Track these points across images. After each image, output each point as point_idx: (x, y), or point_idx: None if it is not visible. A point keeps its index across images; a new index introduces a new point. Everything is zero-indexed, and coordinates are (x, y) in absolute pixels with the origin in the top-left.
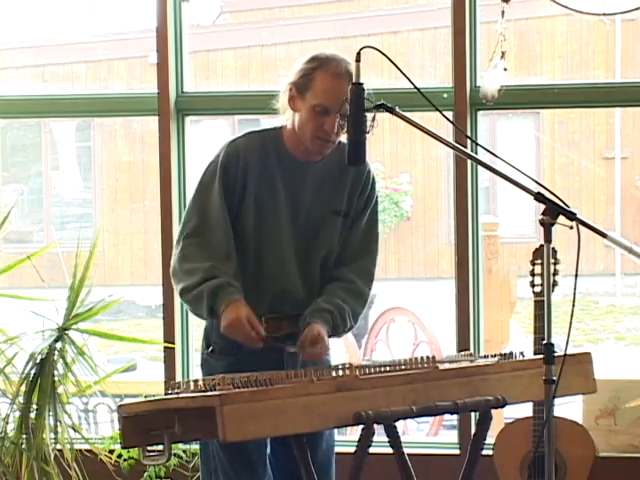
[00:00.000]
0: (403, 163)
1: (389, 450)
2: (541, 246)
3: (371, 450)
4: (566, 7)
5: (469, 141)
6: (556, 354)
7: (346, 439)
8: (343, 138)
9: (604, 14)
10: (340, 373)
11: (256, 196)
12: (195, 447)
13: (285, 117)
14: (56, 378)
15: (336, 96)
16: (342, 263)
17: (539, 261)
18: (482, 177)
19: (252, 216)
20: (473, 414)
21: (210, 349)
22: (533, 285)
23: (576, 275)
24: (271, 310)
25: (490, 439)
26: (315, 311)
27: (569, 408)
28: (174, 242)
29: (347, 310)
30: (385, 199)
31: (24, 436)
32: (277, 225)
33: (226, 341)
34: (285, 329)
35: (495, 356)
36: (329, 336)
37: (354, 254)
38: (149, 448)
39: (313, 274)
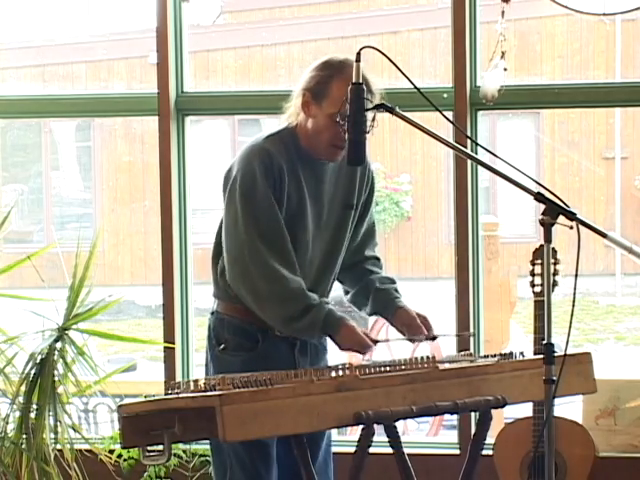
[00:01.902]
0: (403, 163)
1: (389, 450)
2: (541, 246)
3: (371, 450)
4: (566, 7)
5: (469, 141)
6: (556, 354)
7: (346, 439)
8: None
9: (604, 14)
10: (340, 373)
11: (288, 201)
12: (195, 447)
13: (289, 115)
14: (56, 378)
15: None
16: (359, 249)
17: (539, 261)
18: (482, 177)
19: (285, 218)
20: (473, 414)
21: (222, 346)
22: (533, 285)
23: (576, 275)
24: None
25: (490, 439)
26: (387, 294)
27: (569, 408)
28: (232, 255)
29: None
30: (385, 199)
31: (24, 436)
32: (304, 225)
33: (241, 338)
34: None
35: (495, 356)
36: None
37: (366, 237)
38: (149, 448)
39: (332, 273)
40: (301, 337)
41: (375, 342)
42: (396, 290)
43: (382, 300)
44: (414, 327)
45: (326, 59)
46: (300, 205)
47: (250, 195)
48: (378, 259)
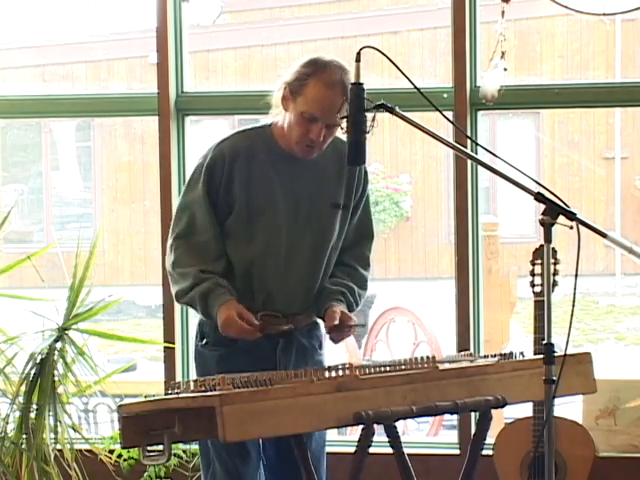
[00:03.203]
0: (403, 163)
1: (389, 450)
2: (541, 246)
3: (371, 450)
4: (566, 7)
5: (469, 141)
6: (556, 354)
7: (346, 439)
8: (339, 134)
9: (604, 14)
10: (340, 373)
11: (247, 197)
12: (195, 447)
13: (276, 112)
14: (56, 378)
15: (325, 106)
16: (341, 250)
17: (539, 261)
18: (482, 177)
19: (245, 217)
20: (473, 414)
21: (204, 341)
22: (533, 285)
23: (576, 275)
24: (266, 308)
25: (490, 439)
26: (328, 294)
27: (569, 408)
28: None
29: (355, 290)
30: (385, 199)
31: (24, 436)
32: (275, 221)
33: (219, 334)
34: (281, 326)
35: (495, 356)
36: None
37: (351, 240)
38: (149, 448)
39: (317, 272)
40: (197, 312)
41: (260, 328)
42: (342, 294)
43: (321, 299)
44: (330, 319)
45: (314, 57)
46: (268, 200)
47: (190, 187)
48: (355, 269)
